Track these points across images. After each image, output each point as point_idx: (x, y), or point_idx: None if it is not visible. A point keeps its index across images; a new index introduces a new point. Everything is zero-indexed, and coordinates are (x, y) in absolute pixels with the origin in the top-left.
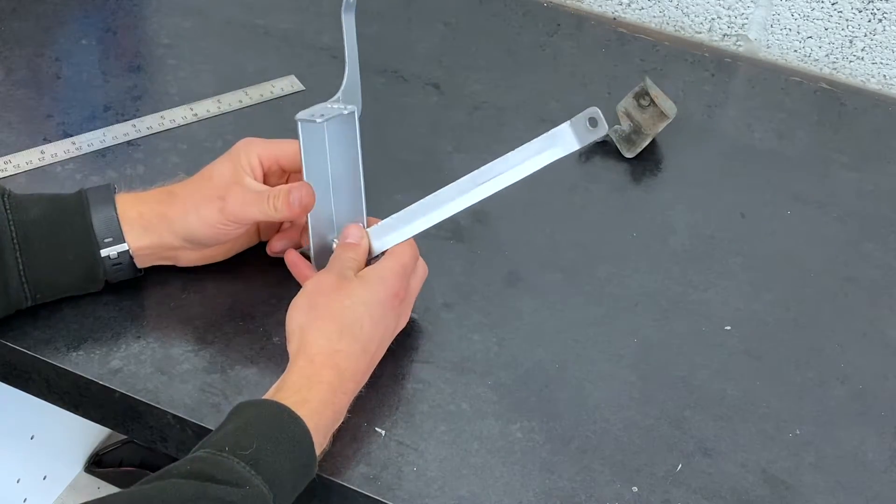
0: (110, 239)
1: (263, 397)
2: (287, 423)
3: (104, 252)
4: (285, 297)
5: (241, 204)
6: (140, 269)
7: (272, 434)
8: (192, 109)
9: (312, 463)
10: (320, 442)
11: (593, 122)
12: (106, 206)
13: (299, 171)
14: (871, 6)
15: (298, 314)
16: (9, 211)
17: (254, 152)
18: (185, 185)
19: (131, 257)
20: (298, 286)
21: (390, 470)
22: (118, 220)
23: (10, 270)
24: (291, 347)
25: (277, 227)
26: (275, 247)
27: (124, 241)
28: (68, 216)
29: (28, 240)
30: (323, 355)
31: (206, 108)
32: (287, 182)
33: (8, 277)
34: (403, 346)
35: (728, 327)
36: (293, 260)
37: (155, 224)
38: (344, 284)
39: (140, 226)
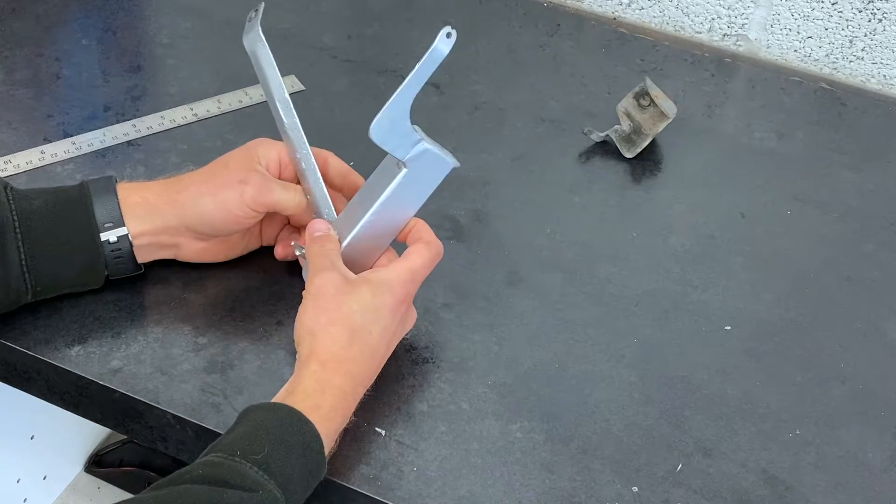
0: (110, 224)
1: (273, 400)
2: (298, 427)
3: (104, 236)
4: (285, 298)
5: (264, 187)
6: (140, 266)
7: (284, 438)
8: (192, 109)
9: (322, 467)
10: (329, 445)
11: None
12: (108, 194)
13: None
14: (871, 6)
15: (307, 318)
16: (11, 202)
17: (273, 150)
18: (198, 173)
19: (131, 245)
20: (299, 286)
21: (390, 470)
22: (119, 206)
23: (12, 260)
24: (302, 351)
25: (279, 231)
26: (280, 252)
27: (124, 226)
28: (70, 206)
29: (30, 229)
30: (335, 361)
31: (206, 108)
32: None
33: (9, 267)
34: (403, 346)
35: (728, 327)
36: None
37: (161, 208)
38: (350, 287)
39: (143, 210)
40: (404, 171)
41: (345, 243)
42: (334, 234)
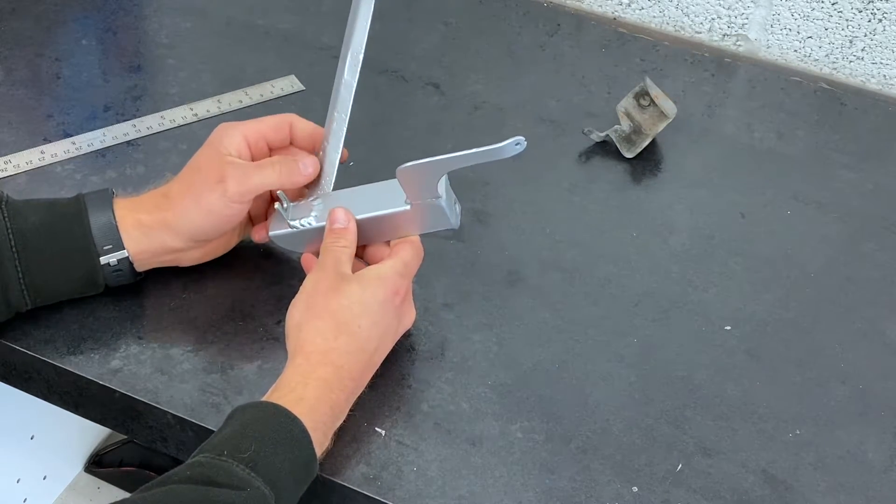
0: (109, 246)
1: (262, 399)
2: (284, 422)
3: (104, 259)
4: (285, 297)
5: (242, 177)
6: (140, 273)
7: (270, 435)
8: (192, 109)
9: (313, 461)
10: (320, 440)
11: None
12: (104, 211)
13: (286, 146)
14: (871, 6)
15: (296, 312)
16: (7, 219)
17: (237, 134)
18: (177, 184)
19: (131, 263)
20: (299, 286)
21: (390, 470)
22: (117, 227)
23: (10, 278)
24: (289, 346)
25: (266, 209)
26: (256, 236)
27: (123, 248)
28: (67, 223)
29: (27, 248)
30: (318, 353)
31: (206, 108)
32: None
33: (8, 285)
34: (403, 346)
35: (728, 327)
36: (309, 260)
37: (156, 230)
38: (341, 284)
39: (139, 232)
40: (406, 207)
41: (315, 224)
42: (353, 226)
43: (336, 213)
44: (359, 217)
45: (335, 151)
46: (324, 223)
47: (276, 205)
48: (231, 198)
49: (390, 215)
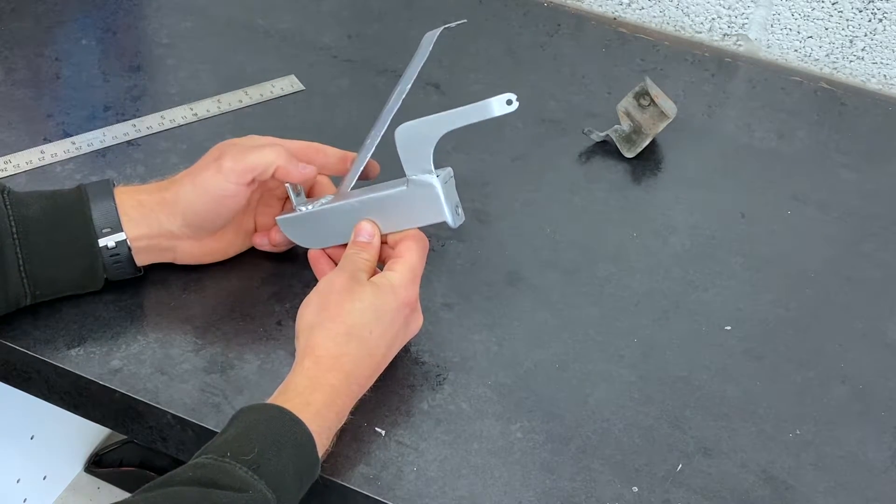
0: (108, 229)
1: (268, 400)
2: (289, 426)
3: (102, 242)
4: (285, 298)
5: (238, 155)
6: (140, 269)
7: (274, 438)
8: (192, 109)
9: (315, 465)
10: (323, 443)
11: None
12: (105, 199)
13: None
14: (871, 6)
15: (308, 313)
16: (9, 207)
17: (266, 138)
18: (185, 169)
19: (129, 249)
20: (299, 286)
21: (390, 470)
22: (116, 211)
23: (10, 265)
24: (299, 345)
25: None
26: (257, 240)
27: (122, 231)
28: (68, 211)
29: (28, 235)
30: (329, 357)
31: (206, 108)
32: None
33: (8, 272)
34: (404, 346)
35: (728, 327)
36: (315, 255)
37: (155, 210)
38: (356, 287)
39: (139, 213)
40: (402, 188)
41: (317, 207)
42: (377, 242)
43: (362, 225)
44: (359, 198)
45: (363, 161)
46: (327, 206)
47: (288, 185)
48: (226, 176)
49: (388, 197)
